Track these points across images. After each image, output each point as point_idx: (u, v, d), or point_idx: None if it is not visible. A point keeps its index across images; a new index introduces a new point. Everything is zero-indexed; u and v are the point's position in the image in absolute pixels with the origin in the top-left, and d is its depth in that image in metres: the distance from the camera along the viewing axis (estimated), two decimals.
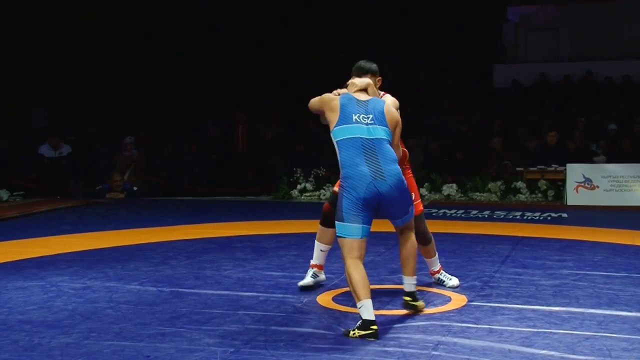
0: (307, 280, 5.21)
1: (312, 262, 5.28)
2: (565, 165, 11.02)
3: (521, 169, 11.67)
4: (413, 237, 4.50)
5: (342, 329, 4.16)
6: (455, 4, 17.32)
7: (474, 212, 9.86)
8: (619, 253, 6.59)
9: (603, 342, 3.88)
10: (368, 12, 17.29)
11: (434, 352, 3.73)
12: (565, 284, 5.33)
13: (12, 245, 7.22)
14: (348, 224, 4.21)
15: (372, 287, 5.21)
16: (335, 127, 4.39)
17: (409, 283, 4.49)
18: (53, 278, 5.57)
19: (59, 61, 15.91)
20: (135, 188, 12.31)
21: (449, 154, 13.14)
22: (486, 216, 9.48)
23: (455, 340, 3.95)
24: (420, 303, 4.52)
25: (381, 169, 4.25)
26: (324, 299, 4.88)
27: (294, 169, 12.31)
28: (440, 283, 5.29)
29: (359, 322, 4.07)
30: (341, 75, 17.02)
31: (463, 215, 9.55)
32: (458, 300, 4.83)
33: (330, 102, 4.49)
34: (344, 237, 4.22)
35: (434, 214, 9.75)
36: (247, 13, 17.26)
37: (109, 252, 6.75)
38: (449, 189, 11.67)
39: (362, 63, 4.86)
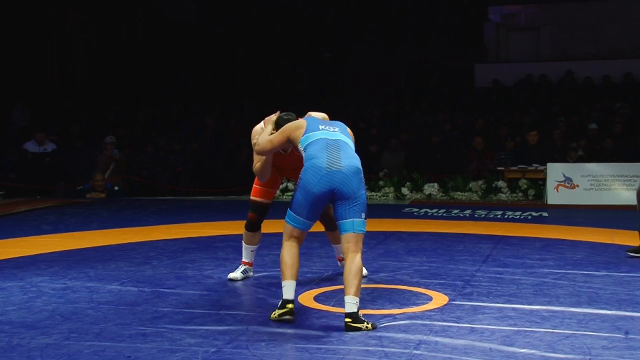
0: (237, 274, 5.44)
1: (243, 259, 5.52)
2: (545, 165, 11.09)
3: (502, 168, 11.74)
4: (359, 258, 4.25)
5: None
6: (437, 4, 17.39)
7: (455, 211, 9.90)
8: (599, 252, 6.64)
9: (583, 341, 3.91)
10: (351, 12, 17.31)
11: (415, 352, 3.74)
12: (545, 282, 5.36)
13: None
14: (296, 215, 4.37)
15: None
16: (302, 137, 4.47)
17: (349, 303, 4.15)
18: (33, 278, 5.53)
19: (41, 60, 15.80)
20: (116, 188, 12.24)
21: (429, 153, 13.18)
22: (467, 215, 9.52)
23: (437, 339, 3.96)
24: (364, 325, 4.11)
25: (340, 161, 4.29)
26: (306, 299, 4.88)
27: None
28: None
29: (280, 302, 4.30)
30: (324, 73, 17.02)
31: (444, 215, 9.58)
32: (439, 300, 4.84)
33: (295, 124, 4.60)
34: (288, 224, 4.40)
35: (415, 213, 9.78)
36: (231, 12, 17.22)
37: (90, 252, 6.70)
38: (430, 188, 11.71)
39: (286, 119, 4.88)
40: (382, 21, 17.33)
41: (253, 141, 5.10)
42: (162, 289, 5.15)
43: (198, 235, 7.79)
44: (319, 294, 5.04)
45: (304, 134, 4.47)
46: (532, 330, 4.12)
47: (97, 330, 4.14)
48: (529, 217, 9.36)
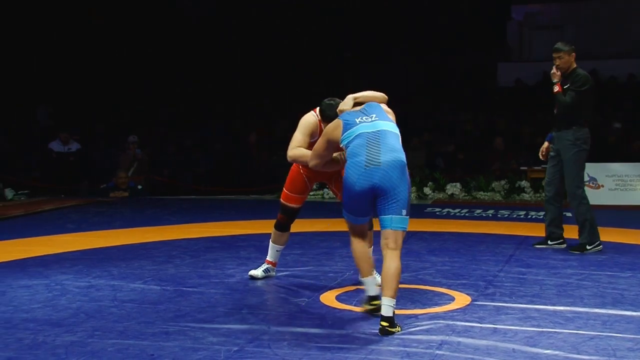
0: (259, 272, 5.45)
1: (268, 258, 5.51)
2: None
3: (525, 168, 11.66)
4: (397, 256, 4.18)
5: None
6: (460, 3, 17.31)
7: (478, 211, 9.85)
8: (624, 252, 6.58)
9: (608, 342, 3.87)
10: (373, 12, 17.28)
11: (437, 352, 3.73)
12: (569, 283, 5.32)
13: (16, 244, 7.23)
14: (347, 213, 4.39)
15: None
16: (342, 136, 4.37)
17: (387, 305, 4.04)
18: (57, 276, 5.58)
19: (64, 60, 15.94)
20: (139, 187, 12.33)
21: (452, 154, 13.14)
22: (490, 215, 9.47)
23: (459, 339, 3.94)
24: (397, 329, 4.05)
25: (378, 157, 4.23)
26: (328, 298, 4.88)
27: None
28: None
29: (366, 297, 4.37)
30: (346, 74, 16.99)
31: (467, 215, 9.54)
32: (462, 300, 4.82)
33: (333, 124, 4.49)
34: (346, 219, 4.44)
35: (437, 213, 9.74)
36: (251, 12, 17.26)
37: (113, 251, 6.76)
38: (453, 188, 11.66)
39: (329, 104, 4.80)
40: (404, 21, 17.28)
41: (295, 133, 4.96)
42: (184, 288, 5.18)
43: (220, 234, 7.82)
44: (341, 293, 5.04)
45: (343, 132, 4.38)
46: (555, 331, 4.08)
47: (121, 328, 4.17)
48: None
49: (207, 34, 17.03)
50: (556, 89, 6.66)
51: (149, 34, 16.77)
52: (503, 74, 17.21)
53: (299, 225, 8.28)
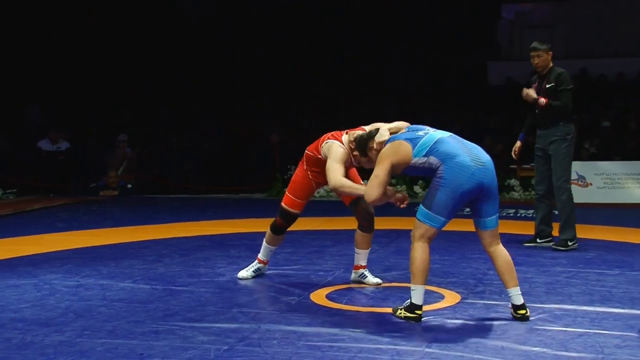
0: (248, 273, 5.40)
1: (260, 257, 5.44)
2: None
3: (514, 166, 11.69)
4: (503, 247, 4.33)
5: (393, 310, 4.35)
6: (450, 3, 17.33)
7: (468, 209, 9.84)
8: (612, 250, 6.61)
9: (596, 339, 3.89)
10: (372, 12, 17.28)
11: (427, 349, 3.74)
12: (558, 281, 5.34)
13: (5, 243, 7.20)
14: (435, 215, 4.23)
15: (366, 285, 5.25)
16: (414, 151, 4.26)
17: (517, 294, 4.27)
18: (46, 276, 5.56)
19: (57, 59, 15.88)
20: (129, 186, 12.30)
21: None
22: None
23: (449, 337, 3.95)
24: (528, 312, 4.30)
25: (479, 157, 4.23)
26: (318, 296, 4.88)
27: (288, 166, 12.31)
28: (362, 279, 5.26)
29: (407, 303, 4.27)
30: (341, 74, 16.89)
31: (457, 213, 9.54)
32: (451, 298, 4.84)
33: (394, 145, 4.34)
34: (425, 223, 4.25)
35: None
36: (251, 12, 17.23)
37: (103, 250, 6.74)
38: None
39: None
40: (396, 22, 17.29)
41: (329, 162, 4.84)
42: (174, 287, 5.17)
43: (211, 233, 7.81)
44: (332, 291, 5.04)
45: (414, 146, 4.26)
46: (544, 329, 4.10)
47: (110, 327, 4.16)
48: (465, 211, 9.28)
49: (205, 34, 16.98)
50: (543, 101, 6.66)
51: (145, 33, 16.71)
52: (494, 72, 17.25)
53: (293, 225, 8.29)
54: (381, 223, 8.28)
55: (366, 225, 5.19)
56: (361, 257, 5.28)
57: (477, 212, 4.30)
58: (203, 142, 14.25)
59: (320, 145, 5.04)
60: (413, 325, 4.18)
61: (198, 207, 10.66)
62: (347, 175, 4.96)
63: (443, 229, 4.34)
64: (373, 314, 4.47)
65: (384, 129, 4.56)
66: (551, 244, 6.80)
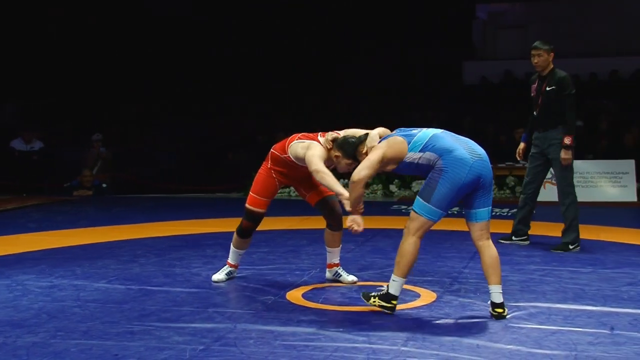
0: (222, 276, 5.35)
1: (230, 261, 5.39)
2: None
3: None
4: (492, 243, 4.39)
5: (362, 293, 4.49)
6: (426, 2, 17.40)
7: (456, 208, 9.90)
8: (585, 248, 6.68)
9: (569, 337, 3.93)
10: (338, 10, 17.30)
11: (403, 348, 3.75)
12: (532, 279, 5.39)
13: None
14: (433, 207, 4.25)
15: (342, 284, 5.25)
16: (411, 146, 4.31)
17: (497, 292, 4.31)
18: (19, 277, 5.50)
19: (28, 58, 15.71)
20: (104, 185, 12.21)
21: None
22: (455, 212, 9.50)
23: (425, 335, 3.97)
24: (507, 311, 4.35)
25: (475, 149, 4.29)
26: (294, 296, 4.88)
27: None
28: (337, 277, 5.27)
29: (382, 291, 4.33)
30: (311, 69, 16.82)
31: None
32: (427, 296, 4.86)
33: (394, 140, 4.38)
34: (422, 216, 4.28)
35: (403, 211, 9.78)
36: (221, 8, 17.16)
37: (77, 250, 6.68)
38: (418, 186, 11.72)
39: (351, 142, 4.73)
40: (370, 19, 17.33)
41: (310, 152, 4.81)
42: (149, 287, 5.14)
43: (186, 232, 7.78)
44: (308, 291, 5.04)
45: (409, 142, 4.32)
46: (518, 327, 4.14)
47: (84, 328, 4.13)
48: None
49: (181, 33, 16.89)
50: (567, 143, 6.49)
51: (119, 32, 16.58)
52: (468, 72, 17.35)
53: (266, 224, 8.26)
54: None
55: (335, 224, 5.20)
56: (333, 255, 5.29)
57: (470, 204, 4.34)
58: (179, 141, 14.18)
59: (288, 145, 5.03)
60: (389, 324, 4.19)
61: (173, 206, 10.60)
62: (316, 184, 5.02)
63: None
64: (349, 312, 4.48)
65: (374, 134, 4.60)
66: (527, 243, 6.84)
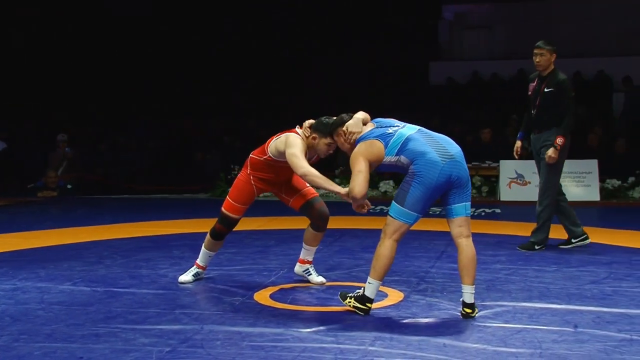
0: (189, 277, 5.31)
1: (199, 262, 5.35)
2: (498, 162, 11.24)
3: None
4: (472, 242, 4.36)
5: (340, 294, 4.51)
6: (392, 2, 17.48)
7: (435, 209, 9.96)
8: (550, 247, 6.76)
9: (534, 335, 3.98)
10: (305, 10, 17.31)
11: (370, 348, 3.77)
12: (498, 278, 5.44)
13: None
14: (408, 210, 4.28)
15: (309, 284, 5.26)
16: (388, 149, 4.33)
17: (469, 292, 4.32)
18: None
19: None
20: (69, 186, 12.08)
21: None
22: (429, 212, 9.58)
23: (392, 335, 3.99)
24: (477, 312, 4.37)
25: (446, 150, 4.29)
26: (262, 297, 4.87)
27: (232, 166, 12.25)
28: (307, 275, 5.29)
29: (357, 293, 4.35)
30: (279, 69, 16.82)
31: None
32: (395, 296, 4.88)
33: (365, 146, 4.39)
34: (397, 220, 4.31)
35: (370, 211, 9.81)
36: (183, 9, 17.07)
37: (41, 252, 6.59)
38: (386, 186, 11.78)
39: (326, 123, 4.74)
40: (337, 19, 17.36)
41: (290, 150, 4.75)
42: (115, 289, 5.10)
43: (153, 233, 7.72)
44: (275, 291, 5.04)
45: (385, 145, 4.33)
46: (485, 325, 4.18)
47: (48, 331, 4.08)
48: (482, 213, 9.48)
49: (146, 33, 16.77)
50: (559, 142, 6.47)
51: (83, 32, 16.41)
52: (435, 72, 17.47)
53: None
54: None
55: (321, 225, 5.18)
56: (309, 253, 5.30)
57: (446, 201, 4.36)
58: (146, 142, 14.08)
59: (267, 146, 5.01)
60: (357, 324, 4.20)
61: (140, 207, 10.52)
62: (295, 179, 5.00)
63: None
64: (317, 313, 4.49)
65: (357, 119, 4.56)
66: (587, 241, 6.69)
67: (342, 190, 4.55)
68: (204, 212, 9.90)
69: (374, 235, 7.46)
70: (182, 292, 5.02)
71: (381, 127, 4.49)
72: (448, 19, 18.94)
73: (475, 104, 15.33)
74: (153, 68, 16.59)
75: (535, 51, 6.72)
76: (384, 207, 10.11)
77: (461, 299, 4.38)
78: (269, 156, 4.98)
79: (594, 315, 4.37)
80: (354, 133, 4.51)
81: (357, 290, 4.44)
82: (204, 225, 8.38)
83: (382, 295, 4.90)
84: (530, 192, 10.97)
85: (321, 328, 4.11)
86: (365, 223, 8.40)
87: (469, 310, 4.31)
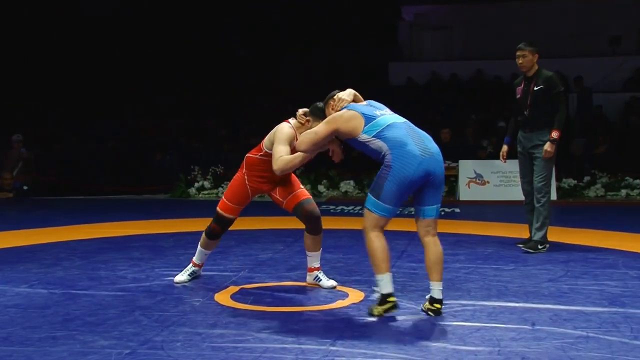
0: (184, 277, 5.30)
1: (195, 260, 5.35)
2: (457, 162, 11.36)
3: None
4: (438, 241, 4.39)
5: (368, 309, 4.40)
6: (352, 3, 17.54)
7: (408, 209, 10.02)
8: (508, 246, 6.85)
9: (493, 333, 4.03)
10: (266, 9, 17.29)
11: (331, 347, 3.78)
12: (458, 277, 5.49)
13: None
14: (385, 204, 4.24)
15: (271, 284, 5.26)
16: (365, 127, 4.27)
17: (438, 289, 4.34)
18: None
19: None
20: (25, 187, 11.88)
21: (346, 151, 13.30)
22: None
23: (353, 334, 4.00)
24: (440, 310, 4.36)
25: (428, 147, 4.25)
26: (222, 297, 4.85)
27: (192, 166, 12.18)
28: (317, 282, 5.23)
29: (378, 297, 4.30)
30: (238, 70, 16.79)
31: (360, 212, 9.67)
32: (355, 296, 4.90)
33: (348, 114, 4.34)
34: (374, 213, 4.27)
35: (331, 211, 9.86)
36: (144, 9, 16.92)
37: None
38: (347, 186, 11.82)
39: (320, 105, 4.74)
40: (298, 19, 17.37)
41: (275, 144, 4.76)
42: (73, 291, 5.03)
43: (112, 234, 7.63)
44: (236, 292, 5.02)
45: (366, 123, 4.27)
46: (444, 324, 4.21)
47: (4, 334, 4.00)
48: (442, 213, 9.53)
49: (104, 32, 16.57)
50: (555, 137, 6.51)
51: (40, 31, 16.14)
52: (394, 73, 17.57)
53: (194, 225, 8.20)
54: (286, 222, 8.32)
55: (313, 227, 5.14)
56: (313, 259, 5.22)
57: (419, 200, 4.34)
58: (104, 142, 13.92)
59: (263, 143, 4.99)
60: (318, 324, 4.20)
61: (98, 208, 10.39)
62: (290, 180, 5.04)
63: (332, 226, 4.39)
64: (278, 313, 4.48)
65: (349, 91, 4.57)
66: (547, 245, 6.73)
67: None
68: (163, 213, 9.83)
69: (335, 236, 7.50)
70: (142, 294, 4.97)
71: (370, 107, 4.47)
72: (408, 20, 19.08)
73: (434, 104, 15.46)
74: (111, 68, 16.40)
75: (518, 53, 6.77)
76: (344, 208, 10.15)
77: (428, 296, 4.40)
78: (266, 151, 4.95)
79: (551, 313, 4.44)
80: (343, 100, 4.49)
81: (376, 296, 4.36)
82: (164, 226, 8.33)
83: (343, 295, 4.91)
84: (489, 192, 11.12)
85: (282, 328, 4.10)
86: (326, 224, 8.41)
87: (438, 305, 4.32)
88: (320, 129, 4.39)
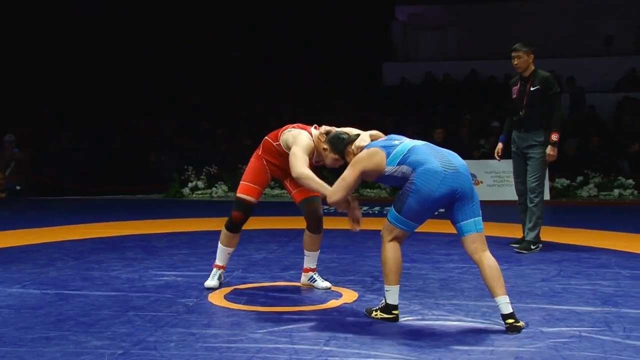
0: (214, 282, 5.13)
1: (218, 263, 5.19)
2: None
3: None
4: (489, 254, 4.18)
5: (365, 310, 4.39)
6: (346, 3, 17.54)
7: (365, 208, 10.03)
8: (501, 246, 6.85)
9: (486, 332, 4.03)
10: (261, 8, 17.28)
11: (325, 348, 3.77)
12: (451, 277, 5.50)
13: None
14: (405, 219, 4.20)
15: (265, 284, 5.25)
16: (389, 159, 4.21)
17: (504, 302, 4.07)
18: None
19: None
20: (18, 187, 11.85)
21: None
22: (376, 212, 9.66)
23: (346, 334, 4.00)
24: (522, 323, 4.09)
25: (451, 161, 4.17)
26: (216, 298, 4.84)
27: (185, 166, 12.16)
28: (312, 282, 5.20)
29: (382, 304, 4.28)
30: (233, 70, 16.78)
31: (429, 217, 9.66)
32: (349, 296, 4.90)
33: (368, 152, 4.29)
34: (395, 226, 4.23)
35: (325, 211, 9.80)
36: (138, 8, 16.89)
37: None
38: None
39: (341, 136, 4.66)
40: (292, 19, 17.37)
41: (294, 149, 4.69)
42: (67, 291, 5.02)
43: (106, 235, 7.62)
44: (229, 292, 5.01)
45: (388, 155, 4.22)
46: (439, 323, 4.22)
47: None
48: (436, 213, 9.52)
49: (96, 33, 16.53)
50: (555, 139, 6.52)
51: (31, 30, 16.10)
52: (388, 73, 17.58)
53: (187, 225, 8.19)
54: (280, 222, 8.32)
55: (314, 226, 5.12)
56: (310, 259, 5.19)
57: (453, 218, 4.24)
58: (98, 142, 13.89)
59: (281, 133, 4.91)
60: (311, 324, 4.20)
61: (92, 208, 10.37)
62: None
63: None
64: (272, 313, 4.48)
65: (365, 135, 4.55)
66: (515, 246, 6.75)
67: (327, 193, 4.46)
68: (157, 213, 9.82)
69: (330, 236, 7.49)
70: (135, 294, 4.96)
71: (388, 139, 4.42)
72: (401, 20, 19.09)
73: (428, 104, 15.47)
74: (106, 68, 16.37)
75: (513, 54, 6.78)
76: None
77: (500, 313, 4.09)
78: (279, 144, 4.90)
79: (544, 312, 4.45)
80: (361, 146, 4.44)
81: (381, 302, 4.35)
82: (158, 227, 8.31)
83: (337, 295, 4.91)
84: (482, 192, 11.04)
85: (275, 329, 4.10)
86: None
87: (510, 321, 4.03)
88: (347, 173, 4.32)
